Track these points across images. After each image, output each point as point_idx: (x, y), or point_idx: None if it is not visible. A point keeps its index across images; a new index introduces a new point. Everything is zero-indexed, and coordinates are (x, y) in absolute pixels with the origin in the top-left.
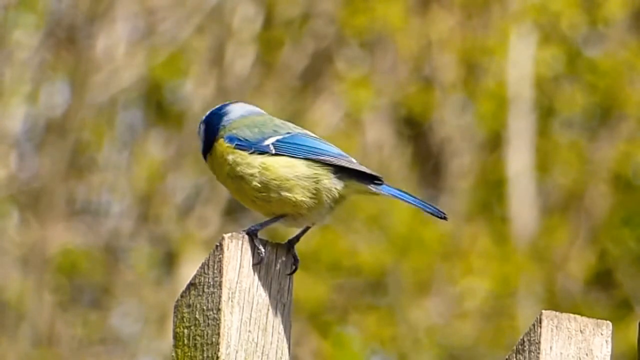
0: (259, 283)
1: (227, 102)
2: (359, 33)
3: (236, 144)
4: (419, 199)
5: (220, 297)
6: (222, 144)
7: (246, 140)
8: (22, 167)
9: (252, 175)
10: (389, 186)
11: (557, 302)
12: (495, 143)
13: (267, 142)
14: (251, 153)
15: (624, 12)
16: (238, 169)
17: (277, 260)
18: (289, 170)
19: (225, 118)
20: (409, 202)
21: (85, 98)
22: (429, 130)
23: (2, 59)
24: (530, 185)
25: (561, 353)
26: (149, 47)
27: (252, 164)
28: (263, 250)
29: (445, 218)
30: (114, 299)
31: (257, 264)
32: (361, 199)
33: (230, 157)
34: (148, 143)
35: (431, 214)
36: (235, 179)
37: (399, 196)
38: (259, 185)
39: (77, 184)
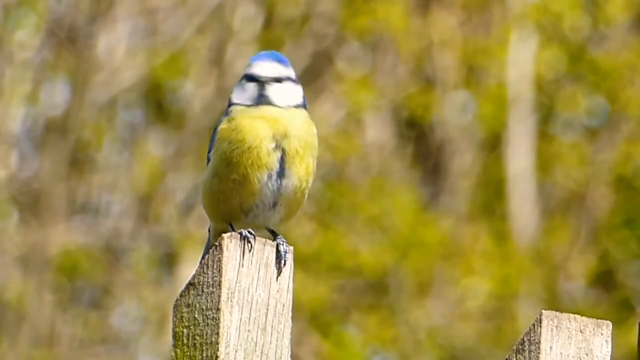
0: (259, 283)
1: None
2: (359, 33)
3: None
4: None
5: (219, 296)
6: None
7: None
8: (22, 167)
9: None
10: None
11: (558, 303)
12: (495, 143)
13: None
14: None
15: (626, 13)
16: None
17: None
18: None
19: None
20: None
21: (85, 98)
22: (430, 130)
23: (3, 59)
24: (531, 186)
25: (561, 353)
26: (150, 47)
27: None
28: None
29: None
30: (114, 299)
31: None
32: (361, 199)
33: None
34: (148, 143)
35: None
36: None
37: None
38: None
39: (77, 184)
